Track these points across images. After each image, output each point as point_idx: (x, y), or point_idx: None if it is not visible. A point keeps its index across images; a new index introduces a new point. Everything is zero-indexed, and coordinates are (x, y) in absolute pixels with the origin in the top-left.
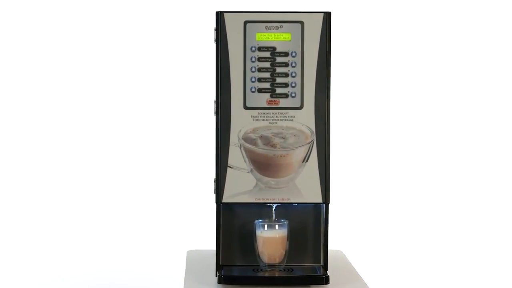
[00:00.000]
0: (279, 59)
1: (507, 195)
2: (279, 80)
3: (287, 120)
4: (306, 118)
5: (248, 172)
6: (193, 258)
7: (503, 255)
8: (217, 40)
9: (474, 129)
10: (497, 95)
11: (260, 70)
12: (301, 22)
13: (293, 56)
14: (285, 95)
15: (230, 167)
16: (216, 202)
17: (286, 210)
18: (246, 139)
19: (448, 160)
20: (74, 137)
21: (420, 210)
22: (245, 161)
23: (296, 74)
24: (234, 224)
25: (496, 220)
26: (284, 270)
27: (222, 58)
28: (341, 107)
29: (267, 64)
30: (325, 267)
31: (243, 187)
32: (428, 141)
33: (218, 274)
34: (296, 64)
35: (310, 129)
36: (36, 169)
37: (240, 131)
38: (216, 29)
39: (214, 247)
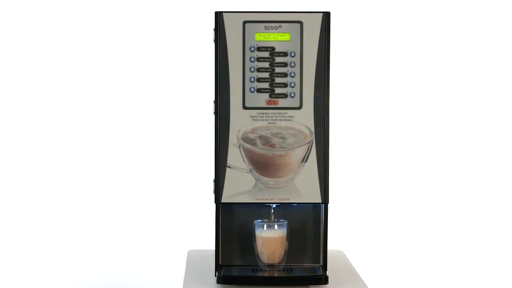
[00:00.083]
0: (278, 59)
1: (506, 195)
2: (278, 80)
3: (286, 120)
4: (305, 118)
5: (247, 172)
6: (193, 258)
7: (503, 255)
8: (216, 40)
9: (473, 129)
10: (496, 95)
11: (259, 70)
12: (300, 22)
13: (292, 56)
14: (284, 95)
15: (229, 167)
16: (215, 202)
17: (285, 210)
18: (245, 139)
19: (448, 160)
20: (74, 137)
21: (420, 210)
22: (244, 161)
23: (295, 74)
24: (234, 224)
25: (496, 220)
26: (284, 270)
27: (221, 58)
28: (340, 107)
29: (266, 64)
30: (325, 267)
31: (242, 187)
32: (427, 141)
33: (217, 274)
34: (295, 64)
35: (309, 129)
36: (36, 169)
37: (239, 131)
38: (215, 29)
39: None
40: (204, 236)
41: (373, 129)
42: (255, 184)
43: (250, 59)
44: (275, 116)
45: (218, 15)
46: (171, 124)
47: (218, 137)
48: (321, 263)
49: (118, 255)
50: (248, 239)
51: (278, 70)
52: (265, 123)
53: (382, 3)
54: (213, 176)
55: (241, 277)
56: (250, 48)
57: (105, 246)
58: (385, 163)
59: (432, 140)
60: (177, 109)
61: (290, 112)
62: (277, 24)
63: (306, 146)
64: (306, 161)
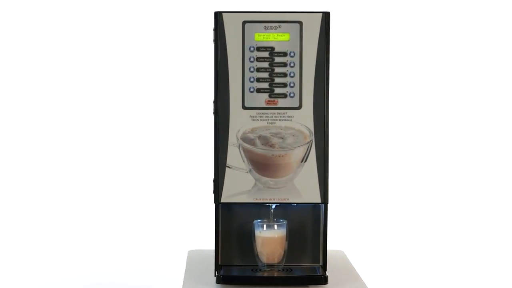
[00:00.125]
0: (277, 59)
1: (506, 194)
2: (277, 80)
3: (285, 120)
4: (304, 118)
5: (247, 172)
6: (193, 258)
7: (503, 255)
8: (215, 40)
9: (473, 128)
10: (496, 94)
11: (258, 70)
12: (300, 22)
13: (292, 56)
14: (284, 95)
15: (229, 167)
16: (214, 202)
17: (284, 210)
18: (245, 139)
19: (448, 160)
20: (74, 137)
21: (420, 210)
22: (243, 161)
23: (294, 74)
24: (233, 224)
25: (496, 220)
26: (283, 270)
27: (220, 58)
28: (340, 107)
29: (265, 64)
30: (324, 267)
31: (242, 187)
32: (427, 141)
33: (217, 274)
34: (294, 64)
35: (309, 129)
36: (36, 169)
37: (238, 131)
38: (215, 29)
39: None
40: (204, 236)
41: (372, 129)
42: (255, 184)
43: (250, 59)
44: (275, 116)
45: (218, 15)
46: (171, 124)
47: (218, 137)
48: (321, 263)
49: (118, 255)
50: (247, 239)
51: (277, 70)
52: (264, 123)
53: (382, 3)
54: (212, 176)
55: (240, 277)
56: (249, 48)
57: (105, 246)
58: (385, 163)
59: (432, 140)
60: (176, 109)
61: (289, 112)
62: (277, 24)
63: (306, 146)
64: (305, 161)
